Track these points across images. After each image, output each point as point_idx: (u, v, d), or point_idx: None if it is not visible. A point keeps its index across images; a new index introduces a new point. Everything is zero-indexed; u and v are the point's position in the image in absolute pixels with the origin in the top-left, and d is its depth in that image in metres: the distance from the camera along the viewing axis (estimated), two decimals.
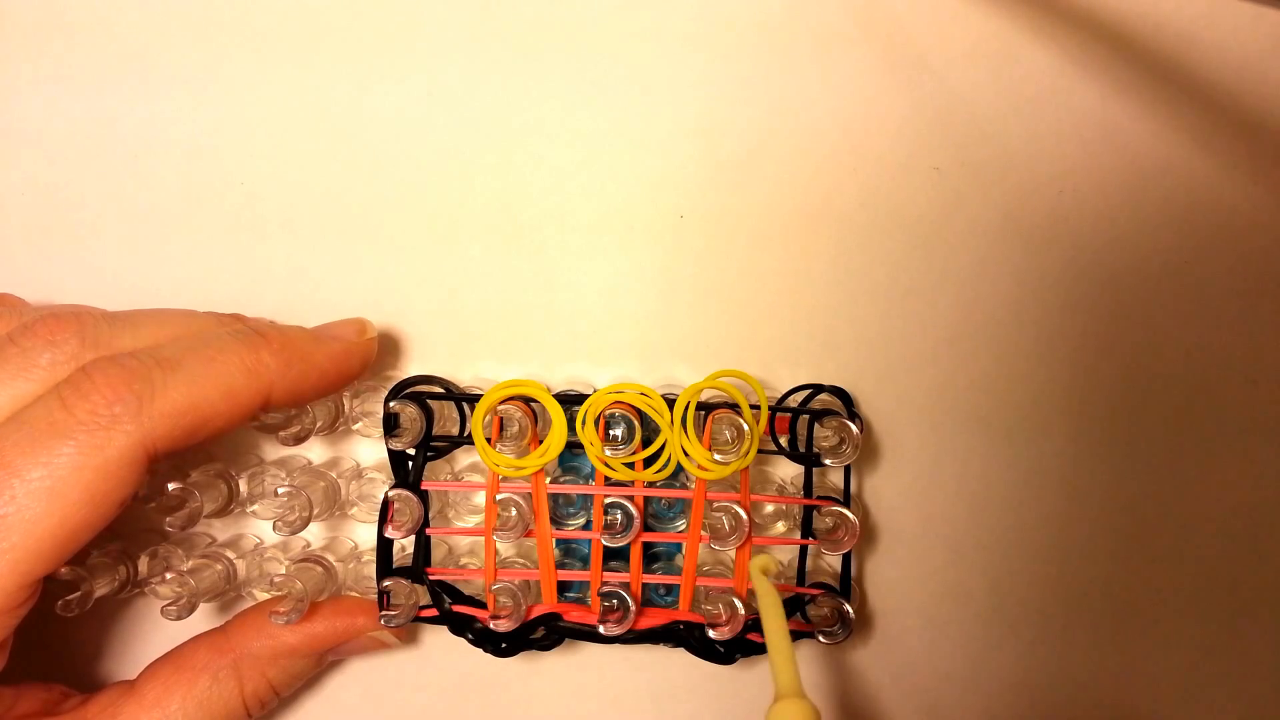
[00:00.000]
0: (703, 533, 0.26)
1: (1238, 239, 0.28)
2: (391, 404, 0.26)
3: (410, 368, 0.29)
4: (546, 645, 0.26)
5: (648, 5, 0.28)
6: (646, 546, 0.27)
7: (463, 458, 0.29)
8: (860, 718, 0.29)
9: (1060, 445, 0.28)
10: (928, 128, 0.28)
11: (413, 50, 0.28)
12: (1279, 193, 0.28)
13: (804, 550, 0.27)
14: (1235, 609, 0.29)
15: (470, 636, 0.26)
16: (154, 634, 0.29)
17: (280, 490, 0.25)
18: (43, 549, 0.21)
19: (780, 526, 0.28)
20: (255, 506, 0.27)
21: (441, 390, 0.26)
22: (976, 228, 0.28)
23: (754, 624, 0.26)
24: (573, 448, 0.25)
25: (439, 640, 0.28)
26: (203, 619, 0.28)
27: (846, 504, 0.26)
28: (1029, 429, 0.28)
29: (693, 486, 0.26)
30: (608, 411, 0.25)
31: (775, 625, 0.22)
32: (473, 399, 0.25)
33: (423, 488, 0.26)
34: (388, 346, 0.28)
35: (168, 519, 0.25)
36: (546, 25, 0.28)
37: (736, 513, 0.25)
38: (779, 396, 0.27)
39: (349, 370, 0.26)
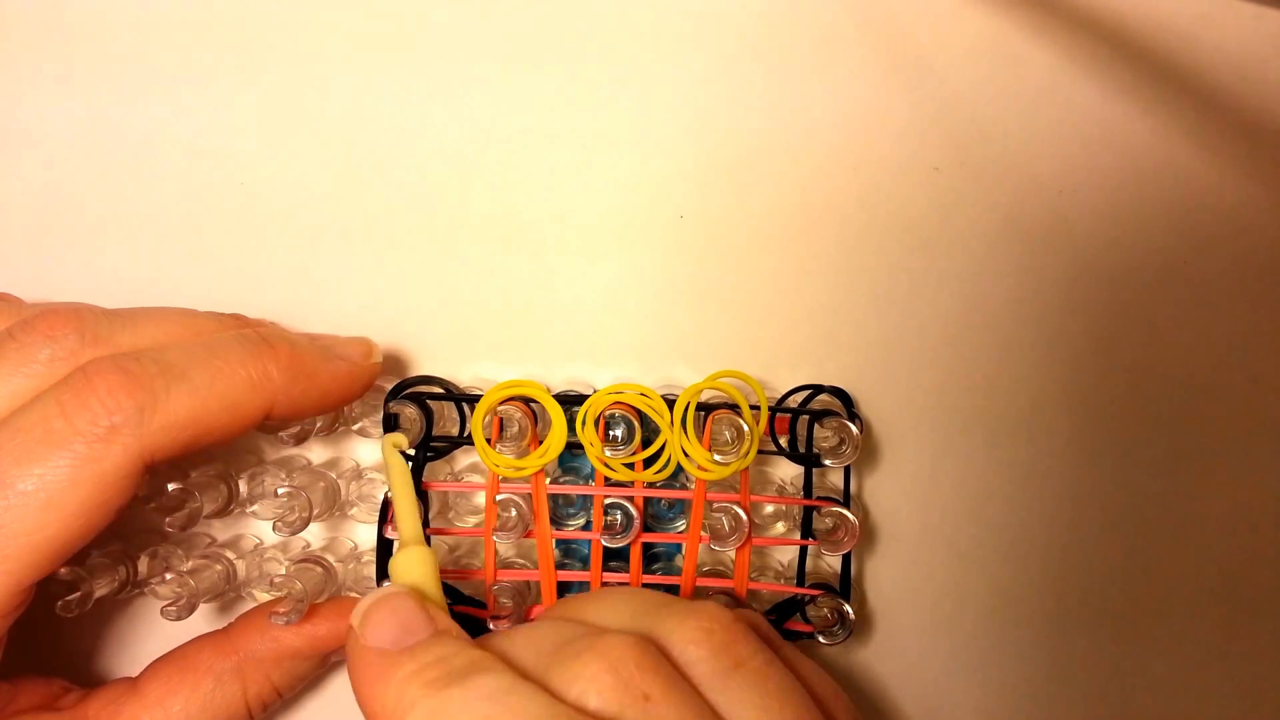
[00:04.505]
0: (702, 533, 0.26)
1: (1237, 239, 0.28)
2: (391, 404, 0.26)
3: (410, 368, 0.29)
4: None
5: (648, 5, 0.28)
6: (646, 547, 0.27)
7: (463, 458, 0.29)
8: (860, 718, 0.29)
9: (1061, 445, 0.28)
10: (928, 128, 0.28)
11: (413, 50, 0.28)
12: (1279, 193, 0.28)
13: (804, 550, 0.27)
14: (1236, 608, 0.29)
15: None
16: (153, 634, 0.29)
17: (280, 490, 0.25)
18: (37, 559, 0.21)
19: (780, 527, 0.28)
20: (255, 506, 0.27)
21: (441, 390, 0.26)
22: (976, 228, 0.28)
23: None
24: (573, 448, 0.25)
25: None
26: (202, 619, 0.28)
27: (846, 504, 0.26)
28: (1029, 429, 0.28)
29: (692, 487, 0.26)
30: (608, 412, 0.25)
31: (401, 490, 0.24)
32: (473, 399, 0.25)
33: (423, 488, 0.26)
34: (387, 347, 0.28)
35: (168, 519, 0.25)
36: (546, 25, 0.28)
37: (736, 513, 0.25)
38: (779, 397, 0.27)
39: (351, 393, 0.25)
